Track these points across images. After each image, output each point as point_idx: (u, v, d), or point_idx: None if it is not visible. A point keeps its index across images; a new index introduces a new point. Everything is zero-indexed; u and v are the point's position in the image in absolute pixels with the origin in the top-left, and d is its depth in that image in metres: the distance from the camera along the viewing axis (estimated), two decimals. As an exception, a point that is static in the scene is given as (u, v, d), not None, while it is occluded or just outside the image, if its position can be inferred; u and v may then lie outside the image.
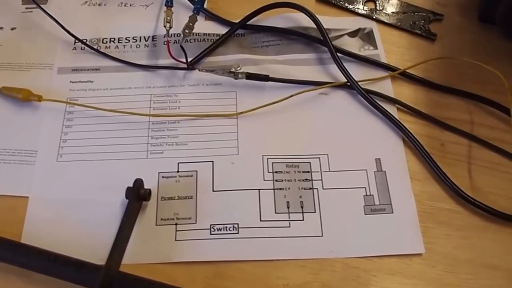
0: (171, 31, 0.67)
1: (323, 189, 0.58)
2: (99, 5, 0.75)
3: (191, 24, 0.64)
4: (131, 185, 0.56)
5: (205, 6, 0.72)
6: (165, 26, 0.66)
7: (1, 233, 0.55)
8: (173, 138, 0.62)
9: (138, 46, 0.70)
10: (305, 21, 0.70)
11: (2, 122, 0.64)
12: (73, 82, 0.67)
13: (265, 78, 0.63)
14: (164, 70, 0.67)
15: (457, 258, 0.55)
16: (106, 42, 0.70)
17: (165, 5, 0.67)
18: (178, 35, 0.69)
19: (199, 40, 0.69)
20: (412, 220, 0.56)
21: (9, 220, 0.58)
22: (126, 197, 0.55)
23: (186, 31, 0.64)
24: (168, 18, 0.66)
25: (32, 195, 0.59)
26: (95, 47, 0.69)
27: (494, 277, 0.54)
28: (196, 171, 0.59)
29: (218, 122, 0.63)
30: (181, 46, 0.64)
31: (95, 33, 0.72)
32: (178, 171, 0.59)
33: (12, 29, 0.73)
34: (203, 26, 0.70)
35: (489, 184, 0.59)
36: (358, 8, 0.73)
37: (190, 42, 0.69)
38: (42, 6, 0.71)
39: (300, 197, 0.57)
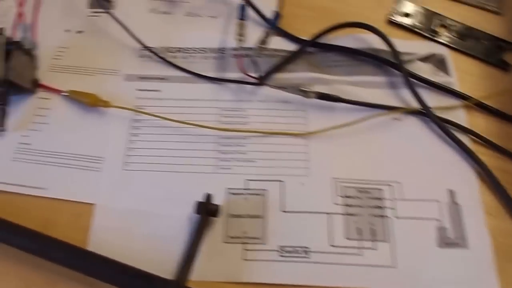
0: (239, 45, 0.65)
1: (395, 217, 0.57)
2: (165, 13, 0.75)
3: (265, 39, 0.63)
4: (198, 199, 0.56)
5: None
6: (236, 39, 0.65)
7: (66, 239, 0.55)
8: (241, 154, 0.61)
9: (205, 57, 0.69)
10: (377, 43, 0.69)
11: (69, 127, 0.64)
12: (139, 90, 0.66)
13: (337, 99, 0.63)
14: (233, 83, 0.66)
15: (534, 302, 0.53)
16: (173, 51, 0.70)
17: (238, 18, 0.66)
18: (247, 49, 0.67)
19: (268, 56, 0.68)
20: (487, 257, 0.56)
21: (75, 226, 0.57)
22: (197, 212, 0.54)
23: (260, 46, 0.63)
24: (240, 31, 0.65)
25: (99, 202, 0.59)
26: (162, 56, 0.68)
27: None
28: (265, 189, 0.59)
29: (287, 140, 0.62)
30: (254, 61, 0.63)
31: (162, 41, 0.71)
32: (246, 189, 0.59)
33: (79, 32, 0.72)
34: (272, 41, 0.69)
35: None
36: (431, 33, 0.72)
37: (258, 57, 0.67)
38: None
39: (372, 224, 0.57)
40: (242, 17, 0.66)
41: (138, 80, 0.67)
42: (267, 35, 0.64)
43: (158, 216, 0.58)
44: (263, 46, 0.64)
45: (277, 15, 0.66)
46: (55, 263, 0.54)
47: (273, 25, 0.65)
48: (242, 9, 0.67)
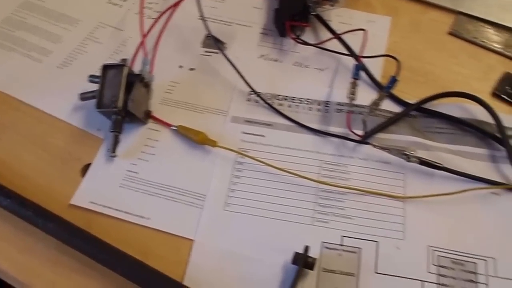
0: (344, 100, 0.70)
1: (487, 294, 0.56)
2: (275, 60, 0.78)
3: (378, 101, 0.65)
4: (293, 249, 0.58)
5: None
6: (348, 97, 0.67)
7: (164, 270, 0.57)
8: (340, 210, 0.62)
9: (310, 108, 0.71)
10: (481, 114, 0.70)
11: (175, 160, 0.67)
12: (245, 133, 0.69)
13: (439, 167, 0.63)
14: (336, 138, 0.68)
15: None
16: (280, 99, 0.72)
17: (352, 77, 0.68)
18: (355, 106, 0.71)
19: (371, 115, 0.69)
20: None
21: (173, 259, 0.60)
22: (294, 263, 0.56)
23: (373, 107, 0.65)
24: (352, 89, 0.67)
25: (197, 239, 0.61)
26: (269, 102, 0.70)
27: None
28: (360, 248, 0.60)
29: (385, 202, 0.64)
30: (364, 121, 0.64)
31: (269, 88, 0.74)
32: (341, 245, 0.60)
33: (191, 69, 0.75)
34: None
35: None
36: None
37: (360, 114, 0.69)
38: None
39: (464, 297, 0.56)
40: (356, 76, 0.68)
41: (244, 123, 0.70)
42: (380, 98, 0.65)
43: (253, 261, 0.60)
44: (375, 108, 0.65)
45: (394, 81, 0.67)
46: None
47: (388, 90, 0.67)
48: (357, 69, 0.69)
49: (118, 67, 0.67)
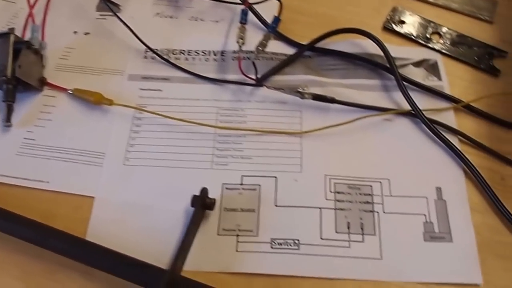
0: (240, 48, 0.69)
1: (384, 212, 0.59)
2: (170, 17, 0.78)
3: (264, 42, 0.66)
4: (195, 194, 0.57)
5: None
6: (237, 42, 0.68)
7: (66, 230, 0.57)
8: (238, 152, 0.63)
9: (207, 59, 0.72)
10: (372, 48, 0.71)
11: (73, 123, 0.66)
12: (142, 90, 0.69)
13: (331, 100, 0.65)
14: (232, 84, 0.69)
15: (515, 293, 0.54)
16: (176, 53, 0.73)
17: (240, 22, 0.69)
18: (247, 52, 0.70)
19: (266, 59, 0.71)
20: (471, 251, 0.57)
21: (75, 218, 0.60)
22: (192, 205, 0.57)
23: (260, 48, 0.66)
24: (241, 34, 0.68)
25: (98, 196, 0.61)
26: (165, 57, 0.71)
27: (552, 314, 0.53)
28: (260, 185, 0.61)
29: (282, 139, 0.65)
30: (253, 63, 0.65)
31: (166, 44, 0.74)
32: (241, 184, 0.61)
33: (86, 34, 0.76)
34: (271, 45, 0.72)
35: (549, 220, 0.58)
36: (424, 40, 0.74)
37: (258, 59, 0.70)
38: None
39: (361, 219, 0.58)
40: (244, 21, 0.69)
41: (141, 80, 0.70)
42: (266, 38, 0.67)
43: (155, 210, 0.60)
44: (261, 49, 0.66)
45: (277, 20, 0.68)
46: (53, 253, 0.56)
47: (273, 29, 0.68)
48: (244, 13, 0.70)
49: (4, 36, 0.66)
